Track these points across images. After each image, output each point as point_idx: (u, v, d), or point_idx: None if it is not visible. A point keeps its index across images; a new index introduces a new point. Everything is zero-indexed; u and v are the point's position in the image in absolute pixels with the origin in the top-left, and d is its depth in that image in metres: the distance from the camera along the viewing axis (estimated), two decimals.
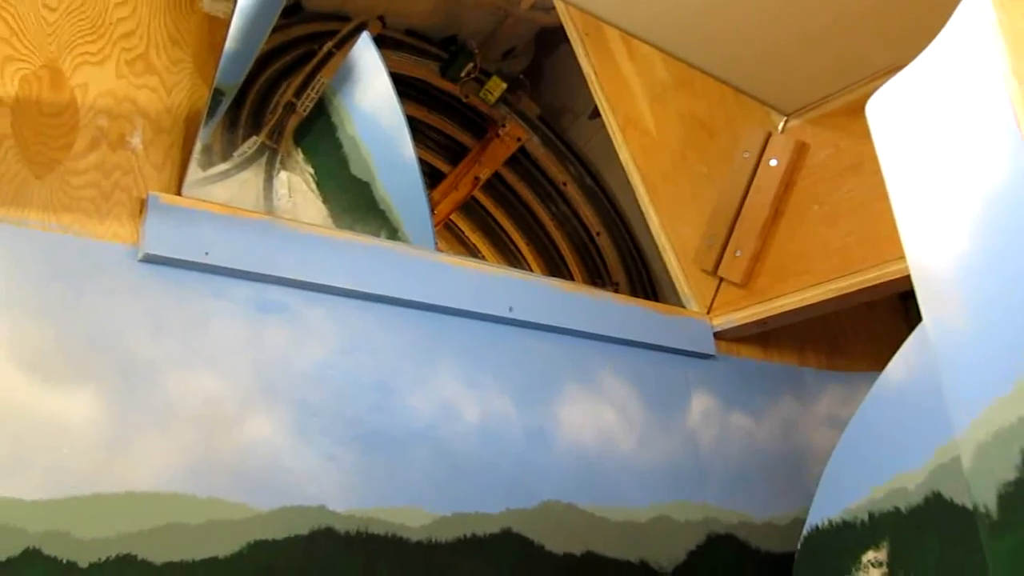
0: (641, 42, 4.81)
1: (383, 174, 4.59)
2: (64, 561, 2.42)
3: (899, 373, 3.06)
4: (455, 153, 8.05)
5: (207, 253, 2.88)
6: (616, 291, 6.42)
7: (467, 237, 8.36)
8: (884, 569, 2.94)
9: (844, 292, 4.12)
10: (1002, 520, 1.47)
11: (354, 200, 4.55)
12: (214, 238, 2.89)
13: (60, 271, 2.62)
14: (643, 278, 7.76)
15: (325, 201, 4.59)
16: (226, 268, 2.92)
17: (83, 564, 2.45)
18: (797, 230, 4.44)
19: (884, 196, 3.92)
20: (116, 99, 2.89)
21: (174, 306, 2.78)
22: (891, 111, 1.75)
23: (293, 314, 3.06)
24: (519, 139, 7.91)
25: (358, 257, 3.28)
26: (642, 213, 6.85)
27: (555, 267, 8.03)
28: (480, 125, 7.96)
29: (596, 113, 7.32)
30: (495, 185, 8.36)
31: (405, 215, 4.52)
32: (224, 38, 3.14)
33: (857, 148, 4.19)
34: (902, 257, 3.83)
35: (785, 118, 4.67)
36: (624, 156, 5.07)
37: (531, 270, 7.70)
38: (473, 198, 8.29)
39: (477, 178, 8.03)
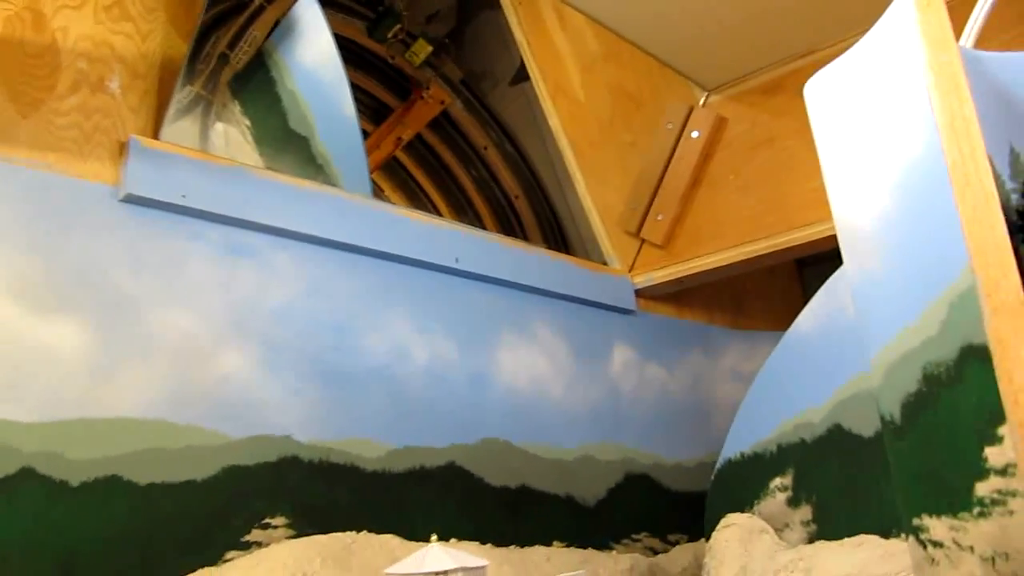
0: (573, 12, 5.12)
1: (322, 129, 4.72)
2: (57, 480, 2.59)
3: (806, 325, 3.50)
4: (378, 113, 8.16)
5: (184, 196, 3.04)
6: (529, 240, 6.69)
7: (387, 197, 8.52)
8: (789, 492, 3.39)
9: (753, 255, 4.55)
10: (904, 425, 1.87)
11: (292, 153, 4.66)
12: (191, 182, 3.05)
13: (46, 208, 2.74)
14: (559, 242, 8.09)
15: (262, 154, 4.68)
16: (202, 211, 3.08)
17: (74, 483, 2.62)
18: (714, 197, 4.86)
19: (792, 169, 4.37)
20: (95, 43, 2.99)
21: (153, 245, 2.94)
22: (826, 92, 2.10)
23: (262, 257, 3.25)
24: (442, 102, 8.06)
25: (322, 205, 3.49)
26: (558, 179, 7.21)
27: (471, 218, 8.27)
28: (404, 87, 8.09)
29: (516, 79, 7.58)
30: (417, 146, 8.50)
31: (343, 170, 4.67)
32: None
33: (771, 124, 4.62)
34: (805, 225, 4.29)
35: (707, 93, 5.06)
36: (553, 122, 5.35)
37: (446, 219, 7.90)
38: (395, 158, 8.42)
39: (400, 139, 8.15)
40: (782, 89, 4.62)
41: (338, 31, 7.20)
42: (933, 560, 1.83)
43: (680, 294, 5.30)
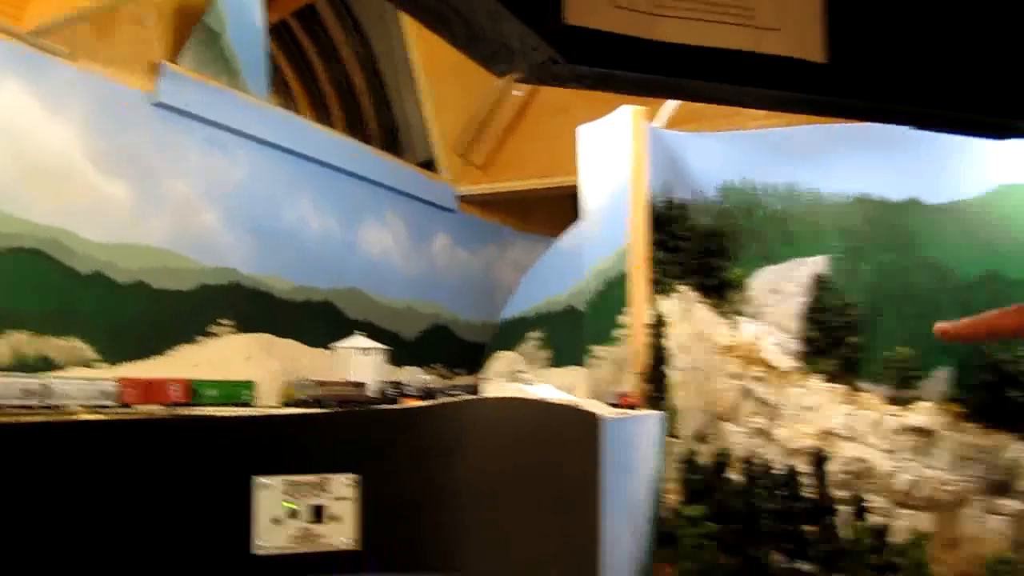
0: None
1: (233, 31, 6.20)
2: (112, 280, 4.25)
3: (566, 243, 5.68)
4: None
5: (187, 104, 4.64)
6: (369, 140, 8.37)
7: None
8: (539, 341, 5.64)
9: (540, 187, 6.70)
10: (594, 302, 4.07)
11: (202, 43, 6.13)
12: (195, 96, 4.65)
13: (109, 104, 4.26)
14: (391, 132, 9.84)
15: (176, 38, 6.11)
16: (196, 115, 4.70)
17: (121, 283, 4.30)
18: (522, 141, 6.91)
19: (573, 133, 6.42)
20: None
21: (168, 136, 4.55)
22: (588, 136, 4.20)
23: (228, 150, 4.92)
24: None
25: (266, 117, 5.18)
26: (399, 81, 8.89)
27: (322, 112, 9.81)
28: None
29: None
30: (282, 33, 9.83)
31: (246, 68, 6.19)
32: None
33: (568, 98, 6.66)
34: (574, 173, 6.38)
35: None
36: (413, 55, 7.11)
37: (300, 111, 9.40)
38: None
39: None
40: None
41: None
42: (597, 365, 4.09)
43: (487, 202, 7.35)
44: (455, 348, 7.13)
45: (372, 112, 9.89)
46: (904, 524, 4.14)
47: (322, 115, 9.90)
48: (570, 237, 5.52)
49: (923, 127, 3.65)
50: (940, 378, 4.34)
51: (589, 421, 3.19)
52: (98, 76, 4.25)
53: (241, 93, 5.11)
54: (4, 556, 2.48)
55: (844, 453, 4.23)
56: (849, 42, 3.26)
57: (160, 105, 4.56)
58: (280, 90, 9.99)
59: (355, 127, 9.96)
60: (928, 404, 4.26)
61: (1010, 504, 4.03)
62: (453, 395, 3.90)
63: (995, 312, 1.18)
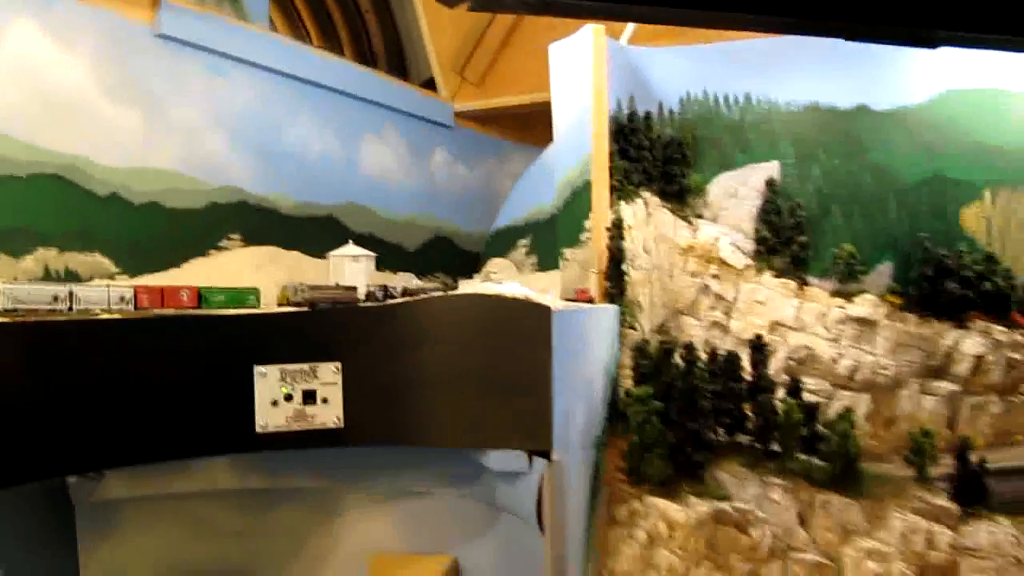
0: None
1: None
2: (127, 201, 4.71)
3: (549, 155, 6.02)
4: None
5: (189, 35, 5.00)
6: (375, 62, 8.68)
7: None
8: (527, 248, 6.05)
9: (531, 102, 7.01)
10: (563, 208, 4.49)
11: None
12: (193, 25, 5.01)
13: (116, 36, 4.66)
14: (397, 52, 10.08)
15: None
16: (196, 43, 5.06)
17: (135, 204, 4.76)
18: (515, 58, 7.19)
19: None
20: None
21: (171, 65, 4.93)
22: (557, 54, 4.52)
23: (230, 76, 5.30)
24: None
25: (266, 43, 5.51)
26: (403, 1, 9.09)
27: (331, 34, 10.04)
28: None
29: None
30: None
31: None
32: None
33: (555, 21, 6.89)
34: None
35: None
36: None
37: (311, 36, 9.66)
38: None
39: None
40: None
41: None
42: (564, 267, 4.49)
43: (485, 117, 7.67)
44: (457, 257, 7.57)
45: (379, 33, 10.14)
46: (844, 404, 4.58)
47: (330, 37, 10.15)
48: (552, 149, 5.87)
49: (853, 39, 3.93)
50: (882, 272, 4.72)
51: (541, 313, 3.61)
52: (103, 11, 4.62)
53: (240, 21, 5.44)
54: (39, 436, 3.00)
55: (791, 342, 4.66)
56: None
57: (162, 36, 4.92)
58: (287, 12, 10.24)
59: (361, 49, 10.21)
60: (871, 296, 4.65)
61: (944, 386, 4.44)
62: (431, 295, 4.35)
63: None
